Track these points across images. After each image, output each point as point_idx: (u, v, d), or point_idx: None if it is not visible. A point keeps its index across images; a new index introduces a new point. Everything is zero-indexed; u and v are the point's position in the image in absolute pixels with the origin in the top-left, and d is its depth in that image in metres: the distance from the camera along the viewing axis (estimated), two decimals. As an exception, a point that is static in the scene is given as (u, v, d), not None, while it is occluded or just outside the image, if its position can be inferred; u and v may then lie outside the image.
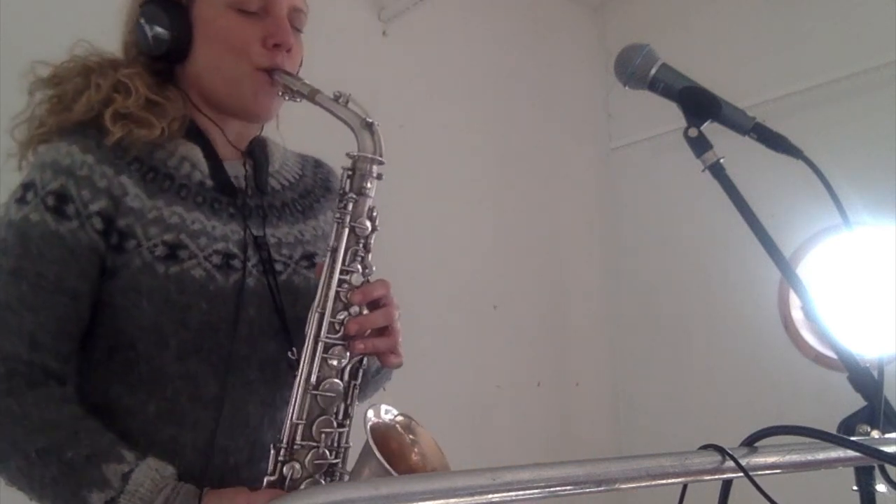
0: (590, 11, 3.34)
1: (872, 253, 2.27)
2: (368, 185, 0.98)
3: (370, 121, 0.98)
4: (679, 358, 2.98)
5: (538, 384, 2.87)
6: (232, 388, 0.98)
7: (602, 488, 0.60)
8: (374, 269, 0.99)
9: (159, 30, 1.02)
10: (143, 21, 1.04)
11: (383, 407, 0.98)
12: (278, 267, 1.05)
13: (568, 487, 0.60)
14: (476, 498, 0.55)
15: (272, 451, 0.92)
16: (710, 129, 0.98)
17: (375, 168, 0.98)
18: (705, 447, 0.67)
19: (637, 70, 1.02)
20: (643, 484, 0.62)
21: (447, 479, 0.61)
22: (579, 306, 3.09)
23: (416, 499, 0.54)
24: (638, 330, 3.13)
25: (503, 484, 0.56)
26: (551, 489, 0.59)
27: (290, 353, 0.99)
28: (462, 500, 0.55)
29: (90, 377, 0.99)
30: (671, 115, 1.03)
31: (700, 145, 0.96)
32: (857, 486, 0.78)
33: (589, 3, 3.32)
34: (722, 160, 0.95)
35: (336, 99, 0.99)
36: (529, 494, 0.58)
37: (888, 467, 0.73)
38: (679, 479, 0.64)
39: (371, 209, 0.98)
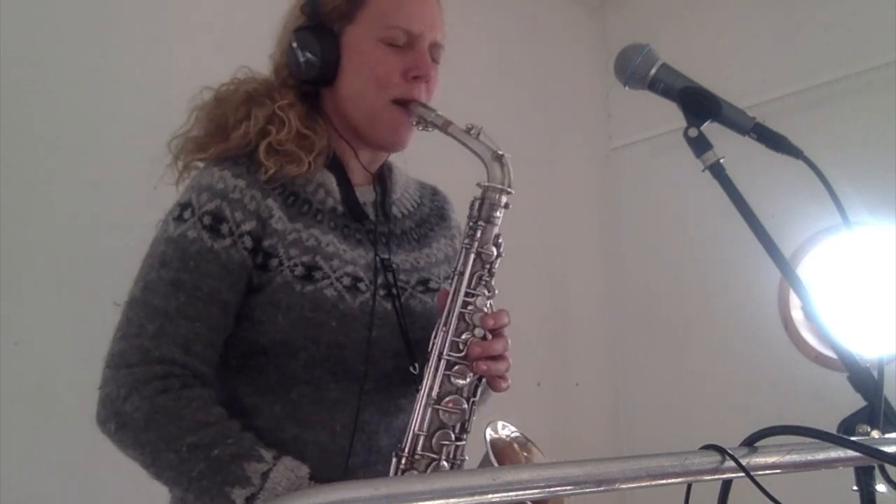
0: (590, 11, 3.34)
1: (872, 253, 2.27)
2: (497, 213, 1.04)
3: (500, 153, 1.04)
4: (679, 358, 2.98)
5: (538, 384, 2.87)
6: (351, 395, 1.04)
7: (602, 488, 0.60)
8: (496, 292, 1.05)
9: (310, 56, 1.08)
10: (296, 46, 1.09)
11: (500, 423, 1.05)
12: None
13: (568, 487, 0.60)
14: (476, 498, 0.55)
15: (394, 459, 0.97)
16: (710, 129, 0.98)
17: (504, 198, 1.04)
18: (705, 447, 0.67)
19: (637, 70, 1.02)
20: (643, 484, 0.62)
21: (447, 478, 0.61)
22: (579, 307, 3.09)
23: (416, 499, 0.54)
24: (638, 330, 3.13)
25: (503, 484, 0.56)
26: (551, 489, 0.59)
27: (412, 369, 1.05)
28: (462, 500, 0.55)
29: (222, 378, 1.05)
30: (671, 115, 1.03)
31: (700, 145, 0.96)
32: (857, 486, 0.78)
33: (589, 3, 3.32)
34: (722, 160, 0.95)
35: (468, 130, 1.05)
36: (529, 494, 0.58)
37: (888, 467, 0.73)
38: (679, 479, 0.64)
39: (497, 236, 1.05)
